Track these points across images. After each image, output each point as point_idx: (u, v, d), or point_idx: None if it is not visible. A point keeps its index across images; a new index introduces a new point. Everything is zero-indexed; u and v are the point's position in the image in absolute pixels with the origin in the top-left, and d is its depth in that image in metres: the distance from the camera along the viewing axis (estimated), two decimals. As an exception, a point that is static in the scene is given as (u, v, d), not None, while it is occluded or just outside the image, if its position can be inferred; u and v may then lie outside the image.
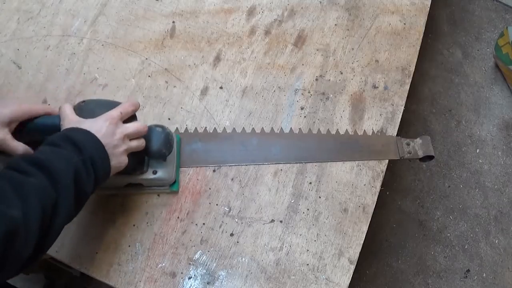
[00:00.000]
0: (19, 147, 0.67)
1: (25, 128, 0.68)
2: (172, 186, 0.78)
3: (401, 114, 0.91)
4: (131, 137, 0.66)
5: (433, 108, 1.81)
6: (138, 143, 0.67)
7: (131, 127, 0.66)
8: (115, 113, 0.65)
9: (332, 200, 0.82)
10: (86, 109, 0.67)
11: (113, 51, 0.92)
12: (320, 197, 0.82)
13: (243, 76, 0.92)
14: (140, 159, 0.71)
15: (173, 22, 0.97)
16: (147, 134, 0.69)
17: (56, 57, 0.91)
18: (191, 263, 0.76)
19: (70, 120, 0.64)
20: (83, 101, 0.69)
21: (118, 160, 0.63)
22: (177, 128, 0.85)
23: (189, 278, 0.74)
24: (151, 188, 0.78)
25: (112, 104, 0.68)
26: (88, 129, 0.61)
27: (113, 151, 0.62)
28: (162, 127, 0.71)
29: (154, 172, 0.74)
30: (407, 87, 0.94)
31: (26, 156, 0.56)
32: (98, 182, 0.60)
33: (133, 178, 0.74)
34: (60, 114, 0.66)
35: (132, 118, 0.68)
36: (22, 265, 0.52)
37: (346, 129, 0.88)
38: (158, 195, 0.79)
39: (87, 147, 0.58)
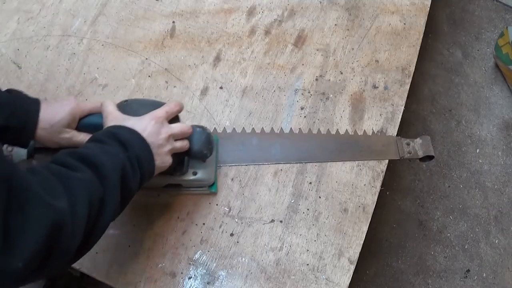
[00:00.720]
0: (85, 139, 0.67)
1: (77, 126, 0.70)
2: (210, 187, 0.79)
3: (401, 114, 0.91)
4: (176, 137, 0.66)
5: (433, 108, 1.81)
6: (182, 144, 0.67)
7: (176, 127, 0.65)
8: (160, 112, 0.64)
9: (332, 200, 0.82)
10: (129, 108, 0.67)
11: (113, 51, 0.92)
12: (320, 197, 0.82)
13: (243, 76, 0.92)
14: (180, 159, 0.70)
15: (173, 22, 0.97)
16: (189, 135, 0.69)
17: (56, 57, 0.91)
18: (191, 263, 0.76)
19: (114, 117, 0.64)
20: (126, 101, 0.69)
21: (163, 160, 0.63)
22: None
23: (189, 278, 0.74)
24: (189, 189, 0.78)
25: (154, 104, 0.68)
26: (132, 126, 0.60)
27: (158, 151, 0.62)
28: (202, 127, 0.71)
29: (194, 173, 0.74)
30: (407, 87, 0.94)
31: (72, 151, 0.55)
32: (142, 181, 0.60)
33: (173, 178, 0.73)
34: (102, 111, 0.66)
35: (175, 118, 0.68)
36: (68, 261, 0.51)
37: (346, 129, 0.88)
38: (159, 195, 0.79)
39: (133, 145, 0.58)
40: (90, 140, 0.59)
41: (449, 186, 1.67)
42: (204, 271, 0.75)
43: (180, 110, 0.68)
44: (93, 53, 0.92)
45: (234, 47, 0.95)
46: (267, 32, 0.97)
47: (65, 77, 0.89)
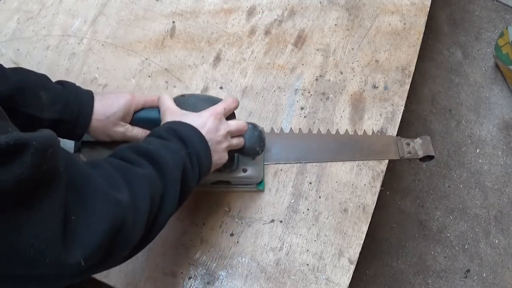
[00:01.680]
0: (139, 134, 0.68)
1: (131, 120, 0.69)
2: (258, 185, 0.79)
3: (401, 114, 0.91)
4: (233, 134, 0.65)
5: (433, 108, 1.81)
6: (238, 141, 0.67)
7: (234, 124, 0.65)
8: (219, 108, 0.64)
9: (332, 200, 0.82)
10: (187, 103, 0.66)
11: (113, 51, 0.92)
12: (320, 197, 0.82)
13: (243, 76, 0.92)
14: (231, 156, 0.70)
15: (173, 22, 0.97)
16: None
17: (56, 57, 0.91)
18: (191, 263, 0.76)
19: (173, 112, 0.64)
20: (183, 95, 0.69)
21: (220, 156, 0.63)
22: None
23: (189, 278, 0.74)
24: (237, 186, 0.78)
25: (211, 100, 0.67)
26: (191, 123, 0.60)
27: (216, 147, 0.62)
28: (254, 124, 0.70)
29: (244, 170, 0.74)
30: (407, 87, 0.94)
31: (133, 146, 0.55)
32: (200, 177, 0.60)
33: (223, 175, 0.73)
34: (160, 106, 0.66)
35: (232, 115, 0.68)
36: (127, 255, 0.51)
37: (346, 129, 0.88)
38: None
39: (193, 142, 0.58)
40: (150, 135, 0.58)
41: (449, 186, 1.67)
42: (204, 271, 0.75)
43: (237, 107, 0.68)
44: (93, 53, 0.92)
45: (234, 47, 0.95)
46: (267, 32, 0.97)
47: (65, 77, 0.89)
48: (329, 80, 0.93)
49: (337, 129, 0.88)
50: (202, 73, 0.92)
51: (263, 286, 0.75)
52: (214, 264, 0.76)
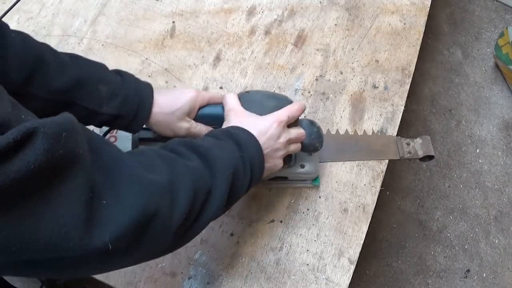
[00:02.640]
0: (203, 130, 0.68)
1: (196, 116, 0.69)
2: (314, 180, 0.79)
3: (401, 114, 0.91)
4: (292, 142, 0.65)
5: (433, 108, 1.81)
6: (296, 147, 0.66)
7: (295, 132, 0.65)
8: (283, 115, 0.63)
9: (332, 200, 0.82)
10: (252, 100, 0.66)
11: (113, 51, 0.92)
12: (320, 197, 0.82)
13: (243, 76, 0.92)
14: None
15: (173, 22, 0.97)
16: (301, 128, 0.68)
17: (56, 57, 0.91)
18: (191, 263, 0.76)
19: (237, 112, 0.63)
20: (247, 92, 0.68)
21: (275, 163, 0.63)
22: None
23: (189, 278, 0.74)
24: (294, 182, 0.79)
25: (276, 97, 0.67)
26: (253, 126, 0.59)
27: (273, 154, 0.61)
28: (312, 121, 0.70)
29: (302, 166, 0.75)
30: (407, 87, 0.94)
31: (184, 141, 0.54)
32: (251, 183, 0.58)
33: (282, 171, 0.71)
34: (225, 105, 0.66)
35: (295, 121, 0.67)
36: (162, 249, 0.49)
37: (346, 129, 0.88)
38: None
39: (248, 147, 0.57)
40: (207, 135, 0.58)
41: (449, 186, 1.67)
42: (204, 271, 0.75)
43: (301, 114, 0.67)
44: (93, 53, 0.92)
45: (234, 47, 0.95)
46: (267, 32, 0.97)
47: (65, 77, 0.89)
48: (329, 80, 0.93)
49: (337, 129, 0.88)
50: (202, 73, 0.92)
51: (263, 286, 0.75)
52: (214, 264, 0.76)
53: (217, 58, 0.94)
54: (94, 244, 0.38)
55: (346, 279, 0.76)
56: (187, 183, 0.47)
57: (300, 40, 0.97)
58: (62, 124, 0.37)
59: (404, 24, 1.01)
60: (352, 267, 0.77)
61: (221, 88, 0.90)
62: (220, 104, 0.68)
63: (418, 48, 0.98)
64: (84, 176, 0.38)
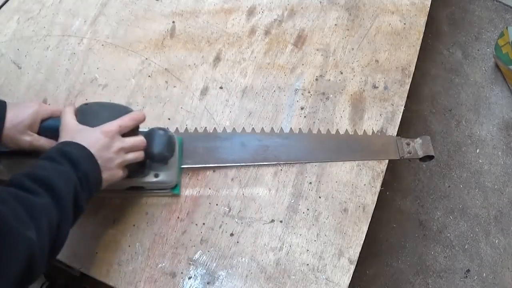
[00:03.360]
0: (46, 144, 0.68)
1: (38, 129, 0.69)
2: (173, 189, 0.78)
3: (401, 114, 0.91)
4: (128, 150, 0.66)
5: (433, 108, 1.81)
6: (135, 156, 0.67)
7: (129, 141, 0.66)
8: (112, 126, 0.65)
9: (332, 200, 0.82)
10: (89, 112, 0.67)
11: (113, 51, 0.92)
12: (320, 197, 0.82)
13: (243, 76, 0.92)
14: (141, 162, 0.70)
15: (173, 22, 0.97)
16: (149, 137, 0.69)
17: (56, 57, 0.91)
18: (191, 263, 0.76)
19: (68, 126, 0.65)
20: (86, 104, 0.68)
21: (111, 173, 0.64)
22: (177, 129, 0.85)
23: (189, 278, 0.74)
24: (152, 191, 0.78)
25: (115, 108, 0.68)
26: (83, 140, 0.61)
27: (107, 165, 0.63)
28: (164, 130, 0.71)
29: (156, 175, 0.74)
30: (407, 87, 0.94)
31: (29, 173, 0.56)
32: (91, 196, 0.61)
33: (134, 181, 0.73)
34: (61, 119, 0.66)
35: (133, 130, 0.68)
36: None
37: (346, 129, 0.88)
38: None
39: (82, 163, 0.59)
40: (44, 158, 0.59)
41: (449, 186, 1.67)
42: (204, 271, 0.75)
43: (137, 124, 0.68)
44: (93, 53, 0.92)
45: (234, 47, 0.95)
46: (267, 32, 0.97)
47: (65, 77, 0.89)
48: (329, 80, 0.93)
49: (337, 129, 0.88)
50: (202, 73, 0.92)
51: (263, 286, 0.75)
52: (214, 264, 0.76)
53: (217, 58, 0.94)
54: None
55: (346, 279, 0.76)
56: (46, 228, 0.52)
57: (300, 40, 0.97)
58: None
59: (404, 24, 1.01)
60: (352, 267, 0.77)
61: (221, 88, 0.90)
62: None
63: (418, 48, 0.98)
64: None
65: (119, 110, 0.68)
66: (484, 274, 1.54)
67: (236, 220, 0.79)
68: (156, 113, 0.87)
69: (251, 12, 1.00)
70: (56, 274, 1.22)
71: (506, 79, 1.84)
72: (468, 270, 1.54)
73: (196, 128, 0.86)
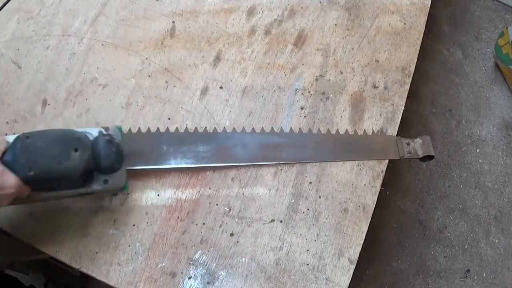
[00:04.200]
0: None
1: None
2: (122, 189, 0.76)
3: (401, 114, 0.91)
4: None
5: (433, 108, 1.81)
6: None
7: None
8: None
9: (332, 200, 0.82)
10: (23, 148, 0.61)
11: (113, 51, 0.92)
12: (320, 197, 0.82)
13: (243, 76, 0.92)
14: (89, 173, 0.67)
15: (173, 22, 0.97)
16: (96, 149, 0.66)
17: (56, 57, 0.91)
18: (191, 263, 0.76)
19: None
20: (28, 137, 0.63)
21: None
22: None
23: (189, 278, 0.74)
24: (103, 193, 0.77)
25: (56, 140, 0.63)
26: None
27: None
28: (110, 139, 0.67)
29: (105, 181, 0.70)
30: (407, 87, 0.94)
31: None
32: None
33: (84, 189, 0.70)
34: None
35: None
36: None
37: (346, 129, 0.88)
38: (158, 195, 0.79)
39: None
40: None
41: (449, 186, 1.67)
42: (204, 271, 0.75)
43: None
44: (93, 53, 0.92)
45: (234, 47, 0.95)
46: (267, 32, 0.97)
47: (65, 77, 0.89)
48: (329, 80, 0.93)
49: (337, 129, 0.88)
50: (202, 73, 0.92)
51: (263, 286, 0.75)
52: (214, 264, 0.76)
53: (217, 58, 0.94)
54: None
55: (346, 279, 0.76)
56: None
57: (300, 40, 0.97)
58: None
59: (404, 24, 1.01)
60: (352, 267, 0.77)
61: (221, 88, 0.91)
62: None
63: (418, 48, 0.98)
64: None
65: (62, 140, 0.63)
66: (484, 274, 1.54)
67: (236, 220, 0.79)
68: (156, 113, 0.87)
69: (251, 12, 1.00)
70: (56, 274, 1.22)
71: (506, 79, 1.84)
72: (468, 270, 1.54)
73: (196, 128, 0.85)
